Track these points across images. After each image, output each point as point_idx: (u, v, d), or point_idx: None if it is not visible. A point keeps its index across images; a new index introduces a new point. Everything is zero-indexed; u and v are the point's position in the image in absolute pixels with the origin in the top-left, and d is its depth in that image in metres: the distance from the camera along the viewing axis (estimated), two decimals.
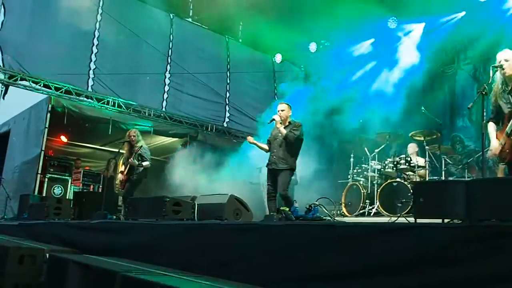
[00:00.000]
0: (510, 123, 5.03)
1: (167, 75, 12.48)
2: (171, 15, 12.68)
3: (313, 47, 13.91)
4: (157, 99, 12.32)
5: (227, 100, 13.48)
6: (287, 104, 7.70)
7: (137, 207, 6.69)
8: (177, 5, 12.86)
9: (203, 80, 12.87)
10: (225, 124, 13.48)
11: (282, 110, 7.55)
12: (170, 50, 12.53)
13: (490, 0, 10.58)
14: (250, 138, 7.91)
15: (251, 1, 11.55)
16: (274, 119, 7.43)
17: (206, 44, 13.17)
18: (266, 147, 7.73)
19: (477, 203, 3.72)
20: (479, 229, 3.27)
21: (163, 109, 12.37)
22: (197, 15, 13.33)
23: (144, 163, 8.95)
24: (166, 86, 12.48)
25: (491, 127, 5.30)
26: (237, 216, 6.48)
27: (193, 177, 10.16)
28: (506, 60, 5.19)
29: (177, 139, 12.62)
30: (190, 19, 13.29)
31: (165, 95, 12.46)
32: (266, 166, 7.62)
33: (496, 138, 5.25)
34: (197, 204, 6.48)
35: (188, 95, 12.79)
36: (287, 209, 5.81)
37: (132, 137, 9.03)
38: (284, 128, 7.46)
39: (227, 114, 13.52)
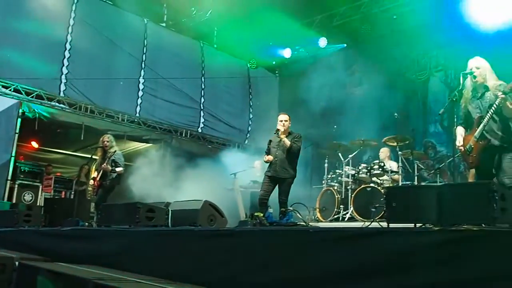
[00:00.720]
0: (479, 127, 5.15)
1: (141, 80, 12.34)
2: (145, 20, 12.57)
3: (287, 52, 13.98)
4: (131, 105, 12.18)
5: (202, 105, 13.41)
6: (289, 116, 7.89)
7: (110, 213, 6.59)
8: (152, 10, 12.78)
9: (177, 86, 12.78)
10: (200, 130, 13.40)
11: (285, 121, 7.75)
12: (144, 55, 12.42)
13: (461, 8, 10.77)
14: (269, 158, 7.82)
15: (226, 7, 11.55)
16: (279, 130, 7.62)
17: (181, 49, 13.09)
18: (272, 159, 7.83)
19: (448, 208, 3.76)
20: (450, 233, 3.31)
21: (137, 115, 12.24)
22: (172, 21, 13.27)
23: (118, 169, 8.83)
24: (140, 91, 12.35)
25: (460, 130, 5.43)
26: (211, 222, 6.42)
27: (167, 183, 10.07)
28: (477, 68, 5.33)
29: (151, 144, 12.50)
30: (164, 24, 13.21)
31: (139, 101, 12.32)
32: (266, 173, 7.77)
33: (464, 142, 5.36)
34: (171, 211, 6.40)
35: (163, 101, 12.68)
36: (262, 214, 5.79)
37: (105, 142, 8.90)
38: (286, 137, 7.67)
39: (202, 120, 13.45)
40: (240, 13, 11.57)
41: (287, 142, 7.56)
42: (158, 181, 10.09)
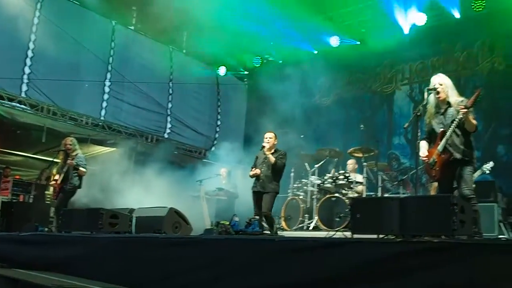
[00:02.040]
0: (442, 141, 5.29)
1: (107, 83, 12.15)
2: (113, 22, 12.41)
3: (257, 61, 14.04)
4: (95, 108, 11.97)
5: (169, 111, 13.30)
6: (274, 133, 8.12)
7: (71, 219, 6.48)
8: (120, 12, 12.58)
9: (144, 90, 12.65)
10: (166, 135, 13.29)
11: (270, 138, 7.97)
12: (111, 58, 12.24)
13: (427, 24, 11.04)
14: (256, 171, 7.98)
15: (196, 12, 11.52)
16: (264, 146, 7.81)
17: (149, 53, 12.93)
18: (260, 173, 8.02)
19: (410, 219, 3.84)
20: (411, 244, 3.38)
21: (102, 118, 12.05)
22: (140, 24, 13.14)
23: (81, 169, 8.68)
24: (106, 94, 12.14)
25: (423, 144, 5.57)
26: (176, 229, 6.39)
27: (131, 189, 9.95)
28: (440, 84, 5.47)
29: (115, 149, 12.32)
30: (133, 28, 13.07)
31: (104, 104, 12.11)
32: (252, 189, 7.92)
33: (427, 156, 5.50)
34: (135, 217, 6.34)
35: (129, 105, 12.51)
36: (227, 222, 5.78)
37: (68, 145, 8.73)
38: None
39: (169, 125, 13.33)
40: (210, 20, 11.55)
41: (272, 159, 7.80)
42: (122, 186, 9.96)
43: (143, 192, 9.96)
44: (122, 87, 12.32)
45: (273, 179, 7.87)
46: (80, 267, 5.01)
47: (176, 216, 6.53)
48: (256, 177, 7.89)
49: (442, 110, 5.49)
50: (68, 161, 8.53)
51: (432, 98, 5.54)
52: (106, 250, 5.03)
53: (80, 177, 8.70)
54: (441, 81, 5.52)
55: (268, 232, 6.68)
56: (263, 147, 7.86)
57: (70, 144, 8.75)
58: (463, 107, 5.11)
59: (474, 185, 6.41)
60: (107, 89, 12.14)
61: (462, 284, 2.96)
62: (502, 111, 10.36)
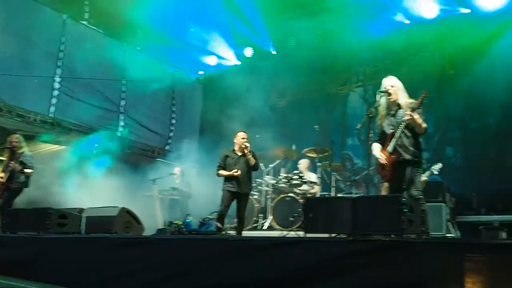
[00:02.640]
0: (392, 142, 5.46)
1: (57, 79, 11.78)
2: (64, 16, 12.04)
3: (212, 60, 13.99)
4: (44, 104, 11.58)
5: (122, 108, 13.05)
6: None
7: (17, 219, 6.29)
8: (72, 6, 12.22)
9: (97, 87, 12.36)
10: (118, 134, 13.05)
11: (247, 138, 8.04)
12: (61, 53, 11.88)
13: (385, 28, 11.26)
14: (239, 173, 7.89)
15: (152, 10, 11.38)
16: (247, 147, 7.89)
17: (102, 49, 12.61)
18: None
19: (361, 218, 3.92)
20: (362, 243, 3.45)
21: (51, 115, 11.68)
22: (93, 19, 12.82)
23: (26, 171, 8.43)
24: (55, 90, 11.77)
25: (376, 146, 5.75)
26: (127, 229, 6.28)
27: (81, 188, 9.73)
28: (392, 86, 5.64)
29: (65, 147, 12.00)
30: (85, 22, 12.74)
31: (54, 100, 11.73)
32: (228, 189, 7.80)
33: (384, 157, 5.62)
34: (85, 217, 6.20)
35: (80, 102, 12.18)
36: (180, 222, 5.74)
37: (14, 142, 8.47)
38: (242, 155, 7.95)
39: (122, 123, 13.09)
40: (165, 18, 11.44)
41: (253, 160, 7.90)
42: (72, 185, 9.74)
43: (94, 191, 9.76)
44: (73, 83, 11.96)
45: (249, 180, 8.04)
46: (26, 269, 4.85)
47: (127, 216, 6.42)
48: (233, 177, 7.80)
49: (393, 112, 5.68)
50: (11, 164, 8.28)
51: (383, 100, 5.71)
52: (54, 252, 4.90)
53: (27, 176, 8.46)
54: (392, 83, 5.70)
55: (222, 232, 6.64)
56: (246, 147, 7.88)
57: (16, 142, 8.49)
58: (409, 113, 5.29)
59: (423, 184, 6.70)
60: (57, 85, 11.75)
61: (410, 282, 3.03)
62: (451, 115, 10.67)
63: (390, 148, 5.52)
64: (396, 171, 5.52)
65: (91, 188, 9.89)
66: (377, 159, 5.65)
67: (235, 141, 8.12)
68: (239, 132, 8.17)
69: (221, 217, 7.51)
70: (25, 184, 8.53)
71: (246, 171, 7.90)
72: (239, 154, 7.99)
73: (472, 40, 10.29)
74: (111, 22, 12.59)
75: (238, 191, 7.79)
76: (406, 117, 5.34)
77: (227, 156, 8.06)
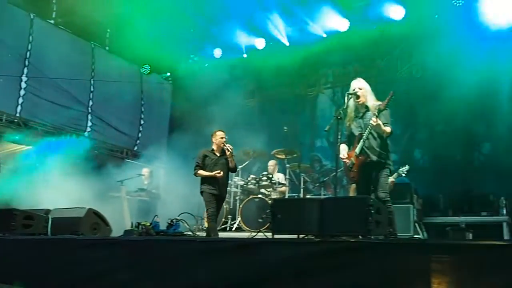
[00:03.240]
0: (359, 144, 5.56)
1: (24, 78, 11.56)
2: (31, 15, 11.82)
3: (182, 60, 13.91)
4: (10, 104, 11.34)
5: (90, 109, 12.86)
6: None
7: None
8: (39, 5, 12.02)
9: (64, 87, 12.15)
10: (86, 134, 12.85)
11: (226, 138, 7.85)
12: (28, 52, 11.65)
13: (350, 30, 11.36)
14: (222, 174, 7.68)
15: (120, 9, 11.25)
16: (230, 151, 7.69)
17: (70, 49, 12.42)
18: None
19: (329, 220, 3.95)
20: (329, 244, 3.47)
21: (17, 115, 11.45)
22: (61, 18, 12.61)
23: None
24: (22, 90, 11.54)
25: (343, 147, 5.87)
26: (95, 231, 6.21)
27: (48, 189, 9.56)
28: (360, 89, 5.74)
29: (31, 147, 11.77)
30: (53, 22, 12.53)
31: (20, 100, 11.50)
32: (210, 192, 7.57)
33: (347, 158, 5.75)
34: (51, 218, 6.10)
35: (47, 101, 11.96)
36: (148, 223, 5.69)
37: None
38: (222, 155, 7.79)
39: (90, 124, 12.89)
40: (135, 17, 11.33)
41: (233, 162, 7.82)
42: (38, 186, 9.55)
43: (61, 192, 9.59)
44: (40, 83, 11.74)
45: (227, 183, 7.99)
46: None
47: (94, 217, 6.34)
48: (213, 179, 7.57)
49: (361, 114, 5.80)
50: None
51: (351, 102, 5.81)
52: (19, 253, 4.80)
53: None
54: (360, 86, 5.80)
55: (190, 233, 6.61)
56: (230, 149, 7.70)
57: None
58: (374, 119, 5.40)
59: (391, 186, 6.81)
60: (23, 85, 11.53)
61: (377, 283, 3.06)
62: (419, 117, 10.84)
63: (357, 149, 5.61)
64: (364, 173, 5.63)
65: (57, 189, 9.71)
66: (343, 160, 5.75)
67: (213, 140, 7.90)
68: (217, 131, 7.94)
69: (213, 218, 7.46)
70: None
71: (226, 173, 7.76)
72: (218, 154, 7.77)
73: (437, 43, 10.46)
74: (79, 21, 12.40)
75: (219, 194, 7.62)
76: (372, 122, 5.44)
77: (205, 156, 7.79)
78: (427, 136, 10.72)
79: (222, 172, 7.57)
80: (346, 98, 5.88)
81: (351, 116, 5.87)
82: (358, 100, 5.76)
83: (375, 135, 5.61)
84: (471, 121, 10.10)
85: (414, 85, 10.85)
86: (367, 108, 5.76)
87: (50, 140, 11.78)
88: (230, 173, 8.08)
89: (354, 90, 5.79)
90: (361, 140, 5.59)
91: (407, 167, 7.97)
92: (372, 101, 5.75)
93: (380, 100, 5.69)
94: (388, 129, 5.52)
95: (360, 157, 5.60)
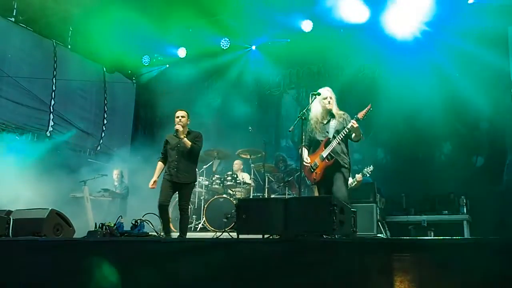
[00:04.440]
0: (327, 148, 5.87)
1: None
2: None
3: (145, 59, 13.78)
4: None
5: (51, 108, 12.62)
6: (187, 112, 7.36)
7: None
8: (0, 2, 11.75)
9: (25, 86, 11.89)
10: (48, 134, 12.60)
11: (182, 117, 7.21)
12: None
13: (314, 32, 11.46)
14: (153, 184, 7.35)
15: (83, 7, 11.09)
16: (177, 129, 7.06)
17: (31, 47, 12.19)
18: (162, 164, 7.40)
19: (293, 219, 3.99)
20: (293, 244, 3.51)
21: None
22: (22, 16, 12.33)
23: None
24: None
25: (304, 150, 6.19)
26: (57, 232, 6.11)
27: (7, 190, 9.34)
28: (330, 97, 6.09)
29: None
30: (13, 19, 12.23)
31: None
32: (164, 177, 7.18)
33: (310, 162, 6.06)
34: (13, 219, 5.97)
35: (7, 100, 11.68)
36: (112, 224, 5.63)
37: None
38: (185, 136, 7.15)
39: (51, 123, 12.65)
40: (97, 15, 11.17)
41: (188, 143, 7.08)
42: None
43: (22, 193, 9.40)
44: (1, 81, 11.48)
45: (190, 166, 7.21)
46: None
47: (57, 218, 6.24)
48: (169, 165, 7.15)
49: (326, 121, 6.10)
50: None
51: (318, 108, 6.12)
52: None
53: None
54: (331, 95, 6.15)
55: (155, 233, 6.53)
56: (176, 130, 7.07)
57: None
58: (355, 121, 5.77)
59: (358, 184, 7.00)
60: None
61: (340, 282, 3.11)
62: (381, 117, 10.97)
63: (324, 153, 5.93)
64: (327, 174, 5.93)
65: (18, 189, 9.51)
66: (305, 163, 6.09)
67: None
68: (176, 111, 7.42)
69: (160, 209, 7.01)
70: None
71: (184, 156, 7.12)
72: (180, 137, 7.16)
73: (398, 43, 10.65)
74: (40, 19, 12.15)
75: (174, 181, 7.08)
76: (350, 125, 5.81)
77: (167, 142, 7.38)
78: (389, 135, 10.86)
79: (154, 183, 7.27)
80: (310, 98, 6.12)
81: (315, 121, 6.14)
82: (328, 107, 6.08)
83: (339, 140, 5.92)
84: (432, 121, 10.30)
85: (377, 85, 10.98)
86: (332, 116, 6.11)
87: (11, 139, 11.52)
88: (194, 155, 7.32)
89: (326, 97, 6.08)
90: (329, 145, 5.91)
91: (371, 167, 8.13)
92: (335, 109, 6.15)
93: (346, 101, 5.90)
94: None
95: (326, 161, 5.90)
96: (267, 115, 12.68)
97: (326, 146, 5.96)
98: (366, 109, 5.94)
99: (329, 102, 6.07)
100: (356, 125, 5.80)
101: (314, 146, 6.14)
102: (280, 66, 12.58)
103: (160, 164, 7.43)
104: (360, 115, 5.89)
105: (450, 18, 10.07)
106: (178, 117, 7.23)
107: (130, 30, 11.93)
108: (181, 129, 7.10)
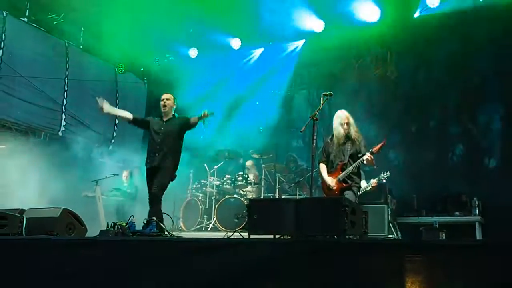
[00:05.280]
0: (343, 173, 6.55)
1: None
2: (4, 13, 11.62)
3: (157, 59, 13.83)
4: None
5: (64, 108, 12.70)
6: (172, 95, 7.08)
7: None
8: (12, 3, 11.83)
9: (38, 86, 11.98)
10: (60, 133, 12.69)
11: (167, 99, 6.91)
12: (0, 51, 11.46)
13: (325, 32, 11.44)
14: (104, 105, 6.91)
15: (95, 8, 11.14)
16: (163, 113, 6.80)
17: (43, 47, 12.25)
18: (129, 115, 7.06)
19: (304, 220, 3.98)
20: (304, 244, 3.50)
21: None
22: (35, 16, 12.43)
23: None
24: None
25: (323, 166, 6.82)
26: (70, 231, 6.15)
27: (21, 189, 9.42)
28: (348, 119, 6.66)
29: (4, 147, 11.56)
30: (26, 19, 12.33)
31: None
32: (146, 165, 6.87)
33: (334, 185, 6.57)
34: (26, 218, 6.02)
35: (20, 100, 11.78)
36: (124, 223, 5.66)
37: None
38: (168, 121, 6.87)
39: (63, 123, 12.73)
40: (109, 15, 11.23)
41: (175, 127, 6.78)
42: (11, 186, 9.41)
43: (35, 192, 9.48)
44: (13, 81, 11.56)
45: (174, 152, 6.80)
46: None
47: (69, 217, 6.28)
48: (149, 152, 6.80)
49: (342, 141, 6.62)
50: None
51: (341, 131, 6.64)
52: None
53: None
54: (349, 120, 6.66)
55: (166, 233, 6.53)
56: (162, 114, 6.86)
57: None
58: (370, 155, 6.35)
59: (368, 189, 7.82)
60: None
61: (351, 283, 3.10)
62: (392, 118, 10.95)
63: (341, 177, 6.54)
64: (340, 193, 6.50)
65: (31, 189, 9.59)
66: (326, 183, 6.66)
67: None
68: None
69: (155, 201, 6.60)
70: None
71: (169, 141, 6.74)
72: (164, 119, 6.92)
73: (412, 44, 10.59)
74: (53, 19, 12.25)
75: (155, 166, 6.65)
76: (366, 158, 6.36)
77: (148, 123, 7.03)
78: (401, 137, 10.83)
79: (131, 115, 6.93)
80: (322, 98, 6.21)
81: (335, 142, 6.69)
82: (345, 130, 6.59)
83: (352, 162, 6.52)
84: (444, 121, 10.26)
85: (388, 86, 10.95)
86: (348, 138, 6.61)
87: (23, 139, 11.62)
88: (181, 142, 6.91)
89: (343, 121, 6.61)
90: (345, 171, 6.51)
91: (388, 173, 8.02)
92: (354, 132, 6.64)
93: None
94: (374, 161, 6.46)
95: (342, 183, 6.54)
96: (278, 115, 12.67)
97: (342, 169, 6.56)
98: (381, 144, 6.48)
99: (346, 126, 6.59)
100: (371, 158, 6.33)
101: (329, 165, 6.74)
102: (291, 66, 12.57)
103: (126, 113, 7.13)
104: (375, 149, 6.44)
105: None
106: (163, 99, 6.95)
107: (141, 30, 11.97)
108: (167, 109, 6.90)
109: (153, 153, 6.77)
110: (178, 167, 6.95)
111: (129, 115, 7.14)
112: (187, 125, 6.92)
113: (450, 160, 10.27)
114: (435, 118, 10.37)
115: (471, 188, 9.28)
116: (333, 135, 6.76)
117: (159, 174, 6.65)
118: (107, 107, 7.04)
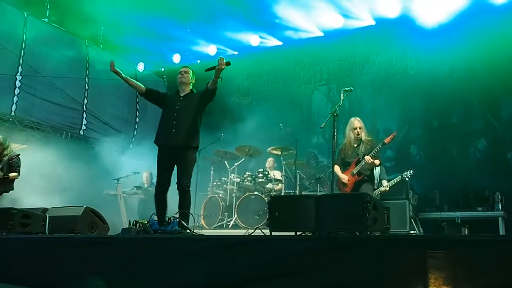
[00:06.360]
0: (357, 166, 7.01)
1: (18, 77, 11.53)
2: (25, 14, 11.80)
3: (176, 58, 13.89)
4: (6, 103, 11.31)
5: (84, 107, 12.84)
6: (192, 70, 6.53)
7: None
8: (33, 3, 11.99)
9: (59, 85, 12.13)
10: (82, 132, 12.83)
11: (185, 72, 6.36)
12: (22, 51, 11.62)
13: (344, 27, 11.38)
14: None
15: (114, 7, 11.22)
16: (181, 85, 6.28)
17: (64, 47, 12.38)
18: (142, 86, 6.58)
19: (326, 216, 3.96)
20: (326, 241, 3.49)
21: (13, 114, 11.42)
22: (55, 16, 12.58)
23: (11, 174, 8.18)
24: (17, 88, 11.52)
25: (337, 168, 7.22)
26: (92, 229, 6.21)
27: (44, 188, 9.54)
28: (360, 128, 7.16)
29: (27, 146, 11.74)
30: (46, 20, 12.49)
31: (15, 99, 11.47)
32: (157, 143, 6.30)
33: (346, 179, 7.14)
34: (49, 217, 6.09)
35: (42, 100, 11.94)
36: (146, 222, 5.68)
37: None
38: (185, 96, 6.26)
39: (85, 122, 12.87)
40: (129, 15, 11.31)
41: (193, 102, 6.13)
42: (35, 185, 9.54)
43: (57, 191, 9.59)
44: (35, 81, 11.73)
45: (194, 130, 6.12)
46: None
47: (92, 215, 6.35)
48: (163, 124, 6.29)
49: (356, 145, 7.21)
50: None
51: (352, 136, 7.21)
52: (17, 252, 4.80)
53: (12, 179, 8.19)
54: (360, 125, 7.17)
55: (188, 230, 6.53)
56: (178, 90, 6.38)
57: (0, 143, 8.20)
58: (371, 159, 6.85)
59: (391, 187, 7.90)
60: (18, 83, 11.51)
61: (374, 279, 3.08)
62: (414, 114, 10.84)
63: (355, 170, 7.04)
64: (356, 188, 7.04)
65: (53, 187, 9.71)
66: (342, 178, 7.16)
67: None
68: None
69: (162, 192, 6.23)
70: (11, 187, 8.29)
71: (189, 117, 6.11)
72: (181, 95, 6.33)
73: (433, 39, 10.47)
74: (73, 19, 12.37)
75: (173, 145, 6.02)
76: (366, 159, 6.85)
77: (164, 97, 6.52)
78: (423, 132, 10.74)
79: (143, 86, 6.41)
80: (342, 94, 6.24)
81: (348, 145, 7.23)
82: (359, 135, 7.13)
83: (367, 160, 6.93)
84: (466, 116, 10.13)
85: (409, 81, 10.85)
86: (361, 141, 7.17)
87: (45, 138, 11.76)
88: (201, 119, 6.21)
89: (356, 127, 7.14)
90: (359, 164, 7.00)
91: (411, 171, 7.91)
92: (365, 136, 7.18)
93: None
94: (377, 161, 6.98)
95: (357, 176, 7.05)
96: (298, 112, 12.64)
97: (357, 164, 7.04)
98: (392, 135, 6.97)
99: (358, 133, 7.13)
100: (370, 161, 6.85)
101: (345, 165, 7.27)
102: (310, 62, 12.52)
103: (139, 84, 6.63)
104: (387, 140, 6.94)
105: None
106: (180, 72, 6.38)
107: (160, 28, 12.03)
108: (182, 80, 6.34)
109: (167, 130, 6.12)
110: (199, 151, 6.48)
111: (142, 86, 6.65)
112: (205, 94, 6.23)
113: (472, 155, 10.13)
114: (457, 112, 10.24)
115: (493, 183, 9.15)
116: (346, 142, 7.32)
117: (183, 159, 6.07)
118: (115, 69, 6.55)
